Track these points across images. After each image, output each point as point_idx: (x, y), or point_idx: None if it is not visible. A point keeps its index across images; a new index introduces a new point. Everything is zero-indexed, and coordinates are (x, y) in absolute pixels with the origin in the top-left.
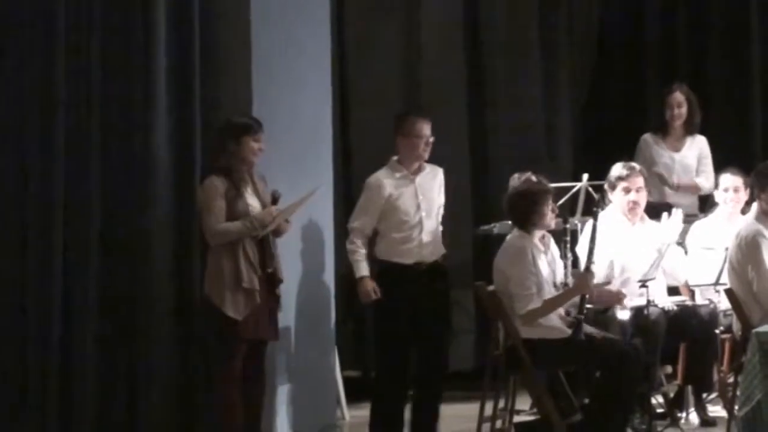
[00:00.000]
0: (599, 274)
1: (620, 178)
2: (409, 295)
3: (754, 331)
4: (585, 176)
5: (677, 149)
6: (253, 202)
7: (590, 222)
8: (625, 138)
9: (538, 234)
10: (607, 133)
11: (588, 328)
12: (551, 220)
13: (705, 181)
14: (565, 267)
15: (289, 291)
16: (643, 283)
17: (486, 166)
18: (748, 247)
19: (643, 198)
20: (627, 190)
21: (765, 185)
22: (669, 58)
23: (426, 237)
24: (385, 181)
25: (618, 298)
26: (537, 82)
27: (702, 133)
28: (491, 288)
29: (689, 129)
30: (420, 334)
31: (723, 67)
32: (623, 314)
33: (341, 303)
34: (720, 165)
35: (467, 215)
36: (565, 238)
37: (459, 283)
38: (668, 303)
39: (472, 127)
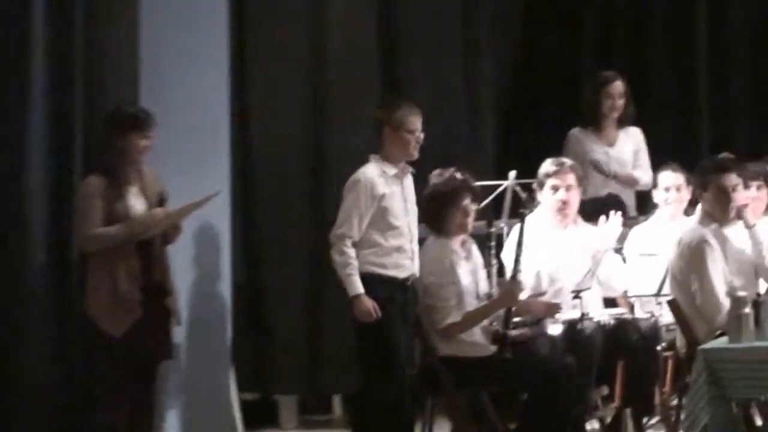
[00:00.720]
0: (527, 283)
1: (548, 175)
2: (405, 315)
3: (700, 348)
4: (512, 174)
5: (611, 143)
6: (136, 203)
7: (517, 225)
8: (560, 131)
9: (457, 239)
10: (539, 127)
11: (515, 332)
12: (470, 222)
13: (643, 174)
14: (489, 276)
15: (180, 303)
16: (577, 294)
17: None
18: (690, 254)
19: (574, 197)
20: (556, 189)
21: (708, 184)
22: (605, 41)
23: (415, 248)
24: (377, 178)
25: (551, 309)
26: (458, 72)
27: (639, 124)
28: None
29: (623, 121)
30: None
31: (664, 50)
32: (554, 328)
33: (239, 317)
34: (660, 161)
35: None
36: (490, 244)
37: None
38: (605, 316)
39: None
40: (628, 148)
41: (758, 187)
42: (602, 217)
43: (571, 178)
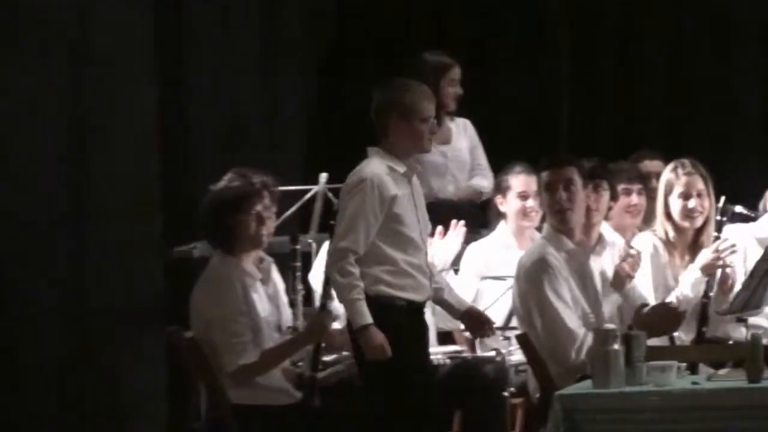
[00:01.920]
0: (341, 313)
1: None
2: (421, 346)
3: (557, 394)
4: (323, 177)
5: (446, 140)
6: None
7: (328, 241)
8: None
9: (250, 257)
10: (355, 120)
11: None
12: (265, 234)
13: (483, 179)
14: (294, 304)
15: None
16: None
17: (185, 164)
18: (526, 279)
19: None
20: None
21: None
22: (436, 29)
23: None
24: (385, 177)
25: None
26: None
27: (479, 113)
28: (190, 335)
29: (450, 111)
30: None
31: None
32: None
33: None
34: (505, 159)
35: (155, 231)
36: (295, 264)
37: (145, 328)
38: (438, 355)
39: (164, 116)
40: (464, 145)
41: (639, 192)
42: (439, 228)
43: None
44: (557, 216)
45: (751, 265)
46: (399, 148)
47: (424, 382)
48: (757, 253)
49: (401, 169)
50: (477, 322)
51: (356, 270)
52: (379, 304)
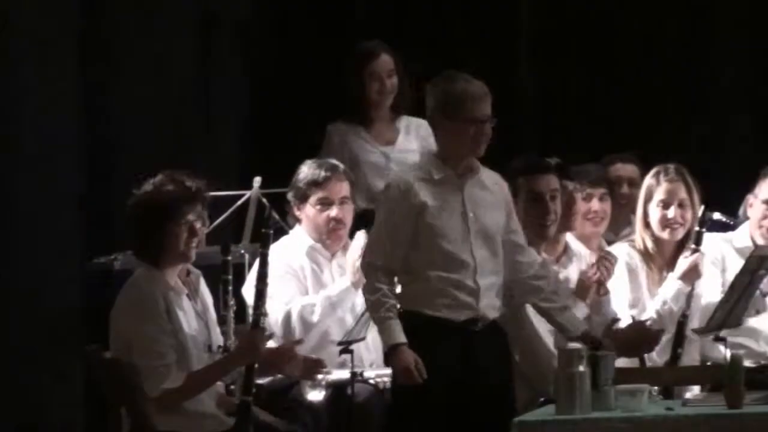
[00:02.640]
0: (276, 330)
1: (314, 184)
2: (458, 372)
3: (515, 420)
4: (257, 181)
5: (389, 141)
6: None
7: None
8: (320, 125)
9: (176, 270)
10: (290, 118)
11: (261, 415)
12: (193, 247)
13: None
14: (225, 322)
15: None
16: (346, 347)
17: (106, 166)
18: None
19: (348, 213)
20: (325, 203)
21: (518, 190)
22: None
23: (484, 281)
24: (417, 183)
25: (310, 367)
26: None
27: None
28: (110, 354)
29: (399, 108)
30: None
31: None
32: (315, 394)
33: None
34: None
35: (73, 241)
36: (226, 277)
37: (60, 348)
38: (385, 377)
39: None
40: (412, 146)
41: (601, 198)
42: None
43: (345, 188)
44: (538, 228)
45: (730, 277)
46: (445, 150)
47: (435, 414)
48: (737, 264)
49: (438, 174)
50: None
51: (385, 285)
52: (411, 323)
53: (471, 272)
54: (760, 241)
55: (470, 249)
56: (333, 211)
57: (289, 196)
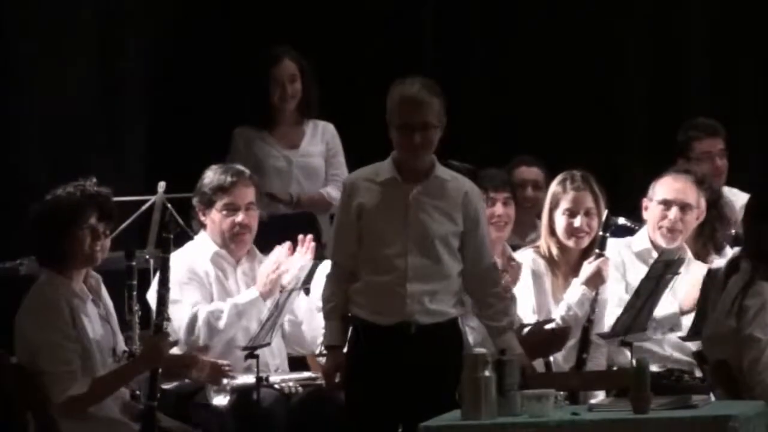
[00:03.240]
0: (181, 335)
1: (220, 190)
2: (399, 378)
3: (421, 425)
4: (161, 186)
5: (294, 145)
6: None
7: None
8: (225, 130)
9: (80, 275)
10: (195, 122)
11: (165, 421)
12: (99, 251)
13: (335, 189)
14: (130, 327)
15: None
16: (251, 352)
17: (9, 171)
18: None
19: (254, 219)
20: (231, 209)
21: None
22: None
23: (418, 288)
24: (361, 182)
25: (216, 372)
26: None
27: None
28: (15, 360)
29: (305, 112)
30: None
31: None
32: (220, 399)
33: None
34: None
35: None
36: (130, 282)
37: None
38: (290, 382)
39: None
40: (317, 150)
41: (504, 202)
42: (287, 244)
43: (250, 194)
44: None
45: (632, 281)
46: (396, 154)
47: (356, 417)
48: (636, 268)
49: (382, 176)
50: None
51: (335, 285)
52: (353, 324)
53: (400, 277)
54: (661, 243)
55: (405, 254)
56: (239, 217)
57: (195, 201)
